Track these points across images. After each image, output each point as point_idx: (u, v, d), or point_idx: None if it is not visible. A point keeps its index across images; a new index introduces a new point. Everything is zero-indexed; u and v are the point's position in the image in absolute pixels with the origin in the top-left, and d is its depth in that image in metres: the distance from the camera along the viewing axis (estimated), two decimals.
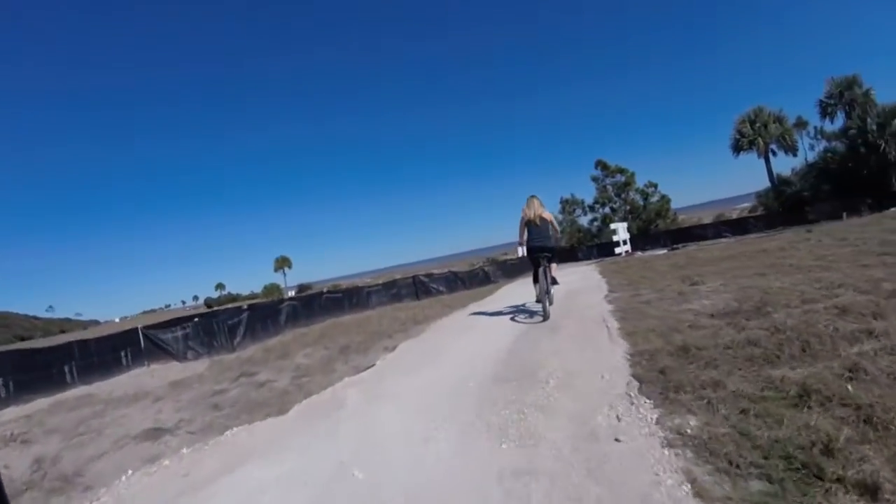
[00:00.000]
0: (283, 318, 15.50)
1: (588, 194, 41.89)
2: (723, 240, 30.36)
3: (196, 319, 13.35)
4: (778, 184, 35.82)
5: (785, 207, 32.62)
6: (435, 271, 24.79)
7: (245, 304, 16.27)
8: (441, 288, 20.89)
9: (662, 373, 4.54)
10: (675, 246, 30.98)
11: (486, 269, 22.06)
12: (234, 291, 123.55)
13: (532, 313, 9.43)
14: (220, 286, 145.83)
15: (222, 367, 10.01)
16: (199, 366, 10.91)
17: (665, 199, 40.22)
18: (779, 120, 35.51)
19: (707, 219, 44.19)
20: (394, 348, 8.69)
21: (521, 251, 13.17)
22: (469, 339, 8.13)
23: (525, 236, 8.87)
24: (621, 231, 28.88)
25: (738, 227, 31.94)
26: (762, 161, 36.23)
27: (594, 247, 36.34)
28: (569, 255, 35.11)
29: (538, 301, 8.72)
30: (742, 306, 6.75)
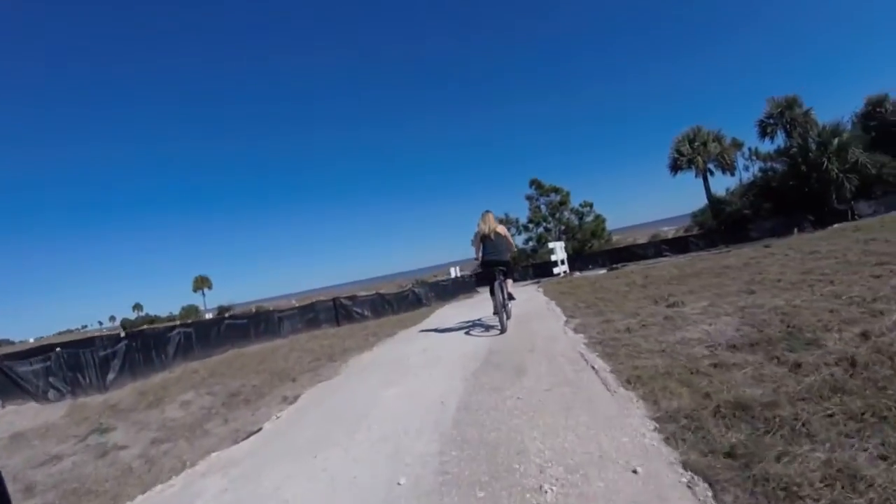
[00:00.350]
0: (173, 350, 12.93)
1: (523, 213, 40.70)
2: (664, 259, 29.80)
3: (58, 350, 10.71)
4: (716, 203, 35.65)
5: (726, 226, 32.36)
6: (361, 293, 22.52)
7: (122, 333, 13.54)
8: (366, 312, 18.64)
9: (733, 456, 2.65)
10: (614, 266, 30.08)
11: (416, 290, 19.96)
12: (152, 312, 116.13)
13: (488, 327, 9.52)
14: (137, 307, 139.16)
15: (81, 415, 8.14)
16: (56, 410, 8.95)
17: (600, 219, 39.54)
18: (717, 139, 35.49)
19: (642, 239, 43.93)
20: (295, 399, 6.48)
21: (474, 267, 12.61)
22: (401, 386, 5.88)
23: (481, 251, 8.94)
24: (559, 251, 27.52)
25: (678, 245, 31.45)
26: (699, 181, 36.11)
27: (530, 267, 35.06)
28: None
29: (495, 314, 8.81)
30: (765, 332, 5.08)
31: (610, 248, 36.61)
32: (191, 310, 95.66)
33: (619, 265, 29.90)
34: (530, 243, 39.54)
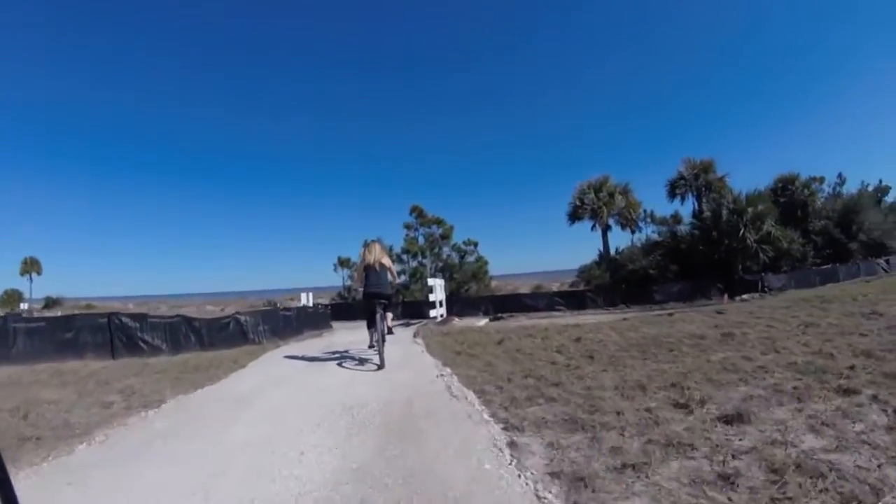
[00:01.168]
0: None
1: (397, 241, 35.86)
2: (556, 313, 26.28)
3: None
4: (614, 259, 32.92)
5: (627, 284, 29.48)
6: (162, 311, 16.34)
7: None
8: (158, 342, 12.65)
9: None
10: (498, 315, 25.98)
11: (240, 318, 14.21)
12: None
13: (363, 360, 9.23)
14: None
15: None
16: None
17: (482, 261, 35.83)
18: (624, 193, 33.35)
19: (524, 288, 40.43)
20: None
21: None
22: None
23: (362, 282, 8.82)
24: (438, 290, 22.90)
25: (574, 300, 27.97)
26: (594, 234, 34.21)
27: (401, 304, 30.14)
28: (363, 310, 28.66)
29: (371, 347, 9.06)
30: None
31: (490, 294, 32.58)
32: (12, 295, 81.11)
33: (504, 315, 25.85)
34: (402, 276, 34.74)
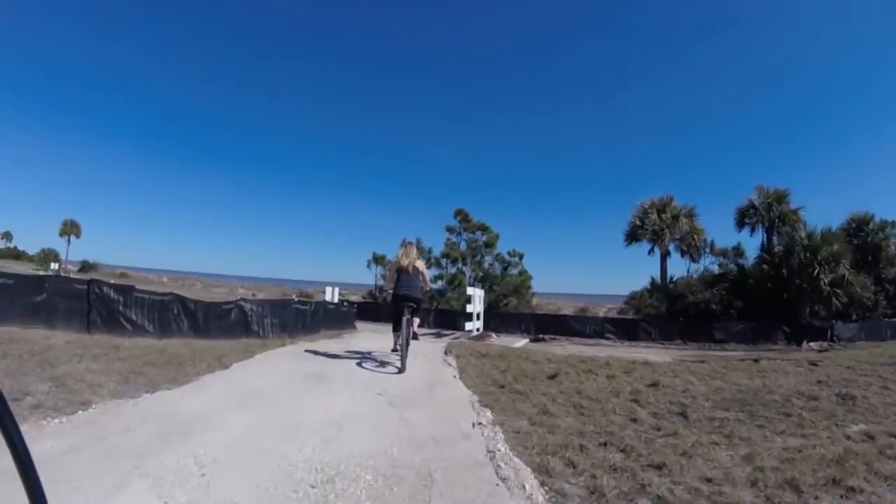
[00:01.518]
0: None
1: (437, 245, 33.83)
2: (605, 341, 23.96)
3: None
4: (672, 289, 30.33)
5: (687, 317, 26.94)
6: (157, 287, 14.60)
7: None
8: (145, 322, 10.95)
9: None
10: (540, 336, 23.74)
11: (246, 306, 12.29)
12: (22, 247, 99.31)
13: (384, 363, 8.89)
14: (7, 235, 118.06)
15: None
16: None
17: (526, 275, 33.43)
18: (689, 216, 30.50)
19: (567, 309, 37.86)
20: None
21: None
22: None
23: (393, 283, 8.65)
24: (477, 300, 20.83)
25: (626, 329, 25.62)
26: (648, 259, 31.67)
27: (433, 311, 28.08)
28: (395, 313, 26.93)
29: (394, 351, 8.86)
30: None
31: (532, 312, 30.28)
32: (48, 255, 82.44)
33: (545, 336, 23.65)
34: (439, 282, 32.66)
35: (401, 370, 7.97)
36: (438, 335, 21.48)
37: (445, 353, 11.48)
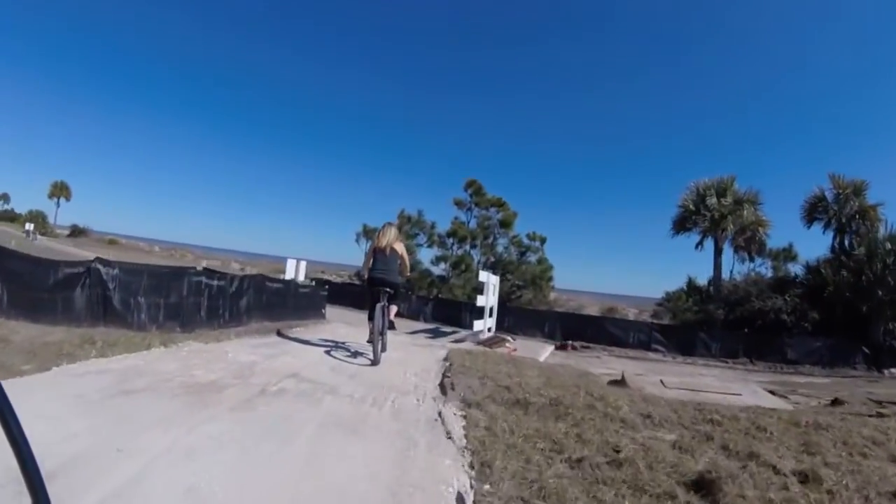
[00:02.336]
0: None
1: (443, 221, 28.62)
2: (652, 354, 19.02)
3: None
4: (729, 290, 25.25)
5: (748, 327, 22.02)
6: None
7: None
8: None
9: None
10: (567, 342, 18.66)
11: (103, 271, 7.14)
12: (18, 209, 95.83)
13: (357, 353, 8.29)
14: (4, 197, 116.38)
15: None
16: None
17: (546, 264, 28.05)
18: (752, 203, 25.31)
19: (590, 308, 32.54)
20: None
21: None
22: None
23: (369, 265, 8.16)
24: (492, 291, 15.69)
25: (678, 339, 20.44)
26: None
27: (432, 301, 22.93)
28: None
29: (369, 342, 8.10)
30: None
31: (555, 311, 25.12)
32: (36, 216, 79.46)
33: (575, 343, 18.52)
34: (442, 264, 27.43)
35: (373, 362, 7.40)
36: (436, 334, 16.42)
37: (444, 370, 6.77)
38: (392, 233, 8.35)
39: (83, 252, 37.96)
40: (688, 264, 65.91)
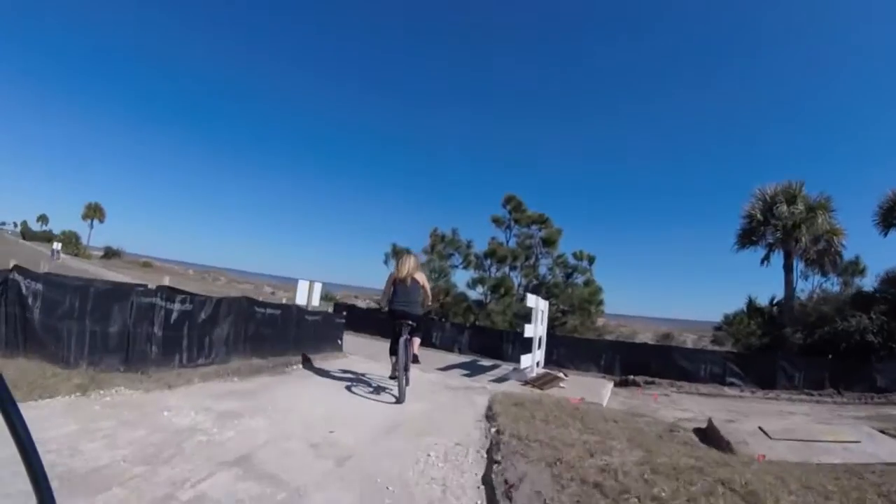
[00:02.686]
0: None
1: (480, 241, 26.29)
2: (728, 389, 16.44)
3: None
4: (806, 308, 22.48)
5: (836, 352, 19.42)
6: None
7: None
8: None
9: None
10: (630, 378, 16.14)
11: (26, 287, 5.17)
12: (57, 229, 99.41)
13: (379, 389, 8.06)
14: (42, 218, 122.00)
15: None
16: None
17: (595, 286, 25.28)
18: (824, 210, 22.50)
19: (644, 335, 29.79)
20: None
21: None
22: None
23: (390, 296, 7.94)
24: (540, 319, 13.28)
25: (753, 370, 17.51)
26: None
27: (469, 328, 20.43)
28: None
29: (392, 377, 8.02)
30: None
31: (610, 339, 22.49)
32: (70, 236, 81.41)
33: (637, 378, 16.01)
34: (479, 288, 24.95)
35: (398, 400, 7.17)
36: (473, 370, 14.08)
37: (489, 431, 4.85)
38: (412, 262, 8.16)
39: (101, 271, 37.01)
40: (748, 284, 62.83)
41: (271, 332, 8.97)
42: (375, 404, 6.74)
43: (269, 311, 9.02)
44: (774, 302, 26.98)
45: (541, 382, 11.61)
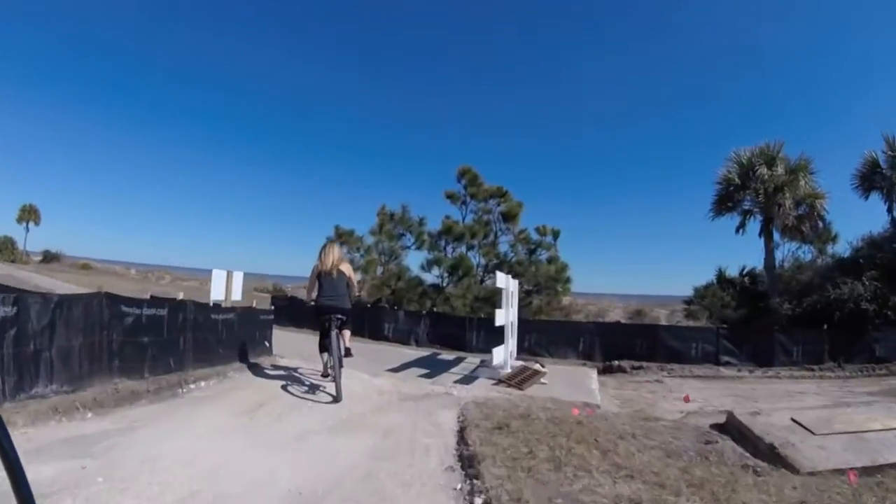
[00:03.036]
0: None
1: (433, 220, 24.04)
2: (724, 370, 14.90)
3: None
4: (789, 279, 21.20)
5: (830, 325, 17.98)
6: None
7: None
8: None
9: None
10: (615, 363, 14.30)
11: None
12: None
13: (313, 387, 7.74)
14: None
15: None
16: None
17: (560, 263, 23.23)
18: (804, 172, 21.29)
19: (615, 313, 28.03)
20: None
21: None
22: None
23: (315, 292, 7.80)
24: (510, 298, 11.17)
25: (747, 345, 15.99)
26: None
27: (426, 316, 18.11)
28: (366, 319, 17.62)
29: (325, 376, 7.84)
30: None
31: (579, 321, 20.59)
32: (5, 242, 76.72)
33: (622, 363, 14.19)
34: (435, 270, 22.67)
35: (335, 398, 6.93)
36: (432, 365, 11.96)
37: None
38: (336, 252, 7.93)
39: (36, 277, 34.23)
40: (712, 257, 62.42)
41: (154, 342, 6.57)
42: (296, 451, 4.56)
43: (147, 311, 6.60)
44: (745, 272, 25.71)
45: (518, 380, 9.54)
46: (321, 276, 7.62)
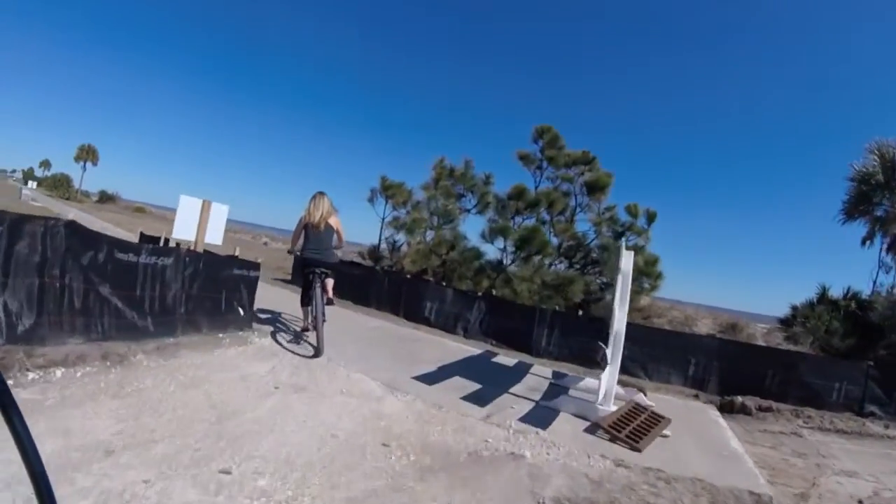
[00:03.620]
0: None
1: (503, 180, 20.49)
2: (869, 423, 10.94)
3: None
4: None
5: None
6: None
7: None
8: None
9: None
10: (735, 399, 10.58)
11: None
12: (60, 171, 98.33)
13: (297, 337, 7.81)
14: (45, 164, 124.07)
15: None
16: None
17: (652, 256, 19.10)
18: None
19: (703, 324, 24.03)
20: None
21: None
22: None
23: (301, 243, 7.78)
24: (626, 292, 7.69)
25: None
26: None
27: (481, 299, 14.35)
28: (403, 293, 14.40)
29: (305, 329, 8.00)
30: None
31: (676, 330, 16.88)
32: (61, 180, 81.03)
33: (746, 401, 10.47)
34: (499, 241, 18.86)
35: (316, 353, 6.85)
36: (483, 378, 8.70)
37: None
38: (326, 205, 7.65)
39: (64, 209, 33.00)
40: (811, 272, 57.53)
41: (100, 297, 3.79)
42: None
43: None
44: (849, 294, 21.44)
45: (631, 431, 6.04)
46: (308, 228, 7.55)
